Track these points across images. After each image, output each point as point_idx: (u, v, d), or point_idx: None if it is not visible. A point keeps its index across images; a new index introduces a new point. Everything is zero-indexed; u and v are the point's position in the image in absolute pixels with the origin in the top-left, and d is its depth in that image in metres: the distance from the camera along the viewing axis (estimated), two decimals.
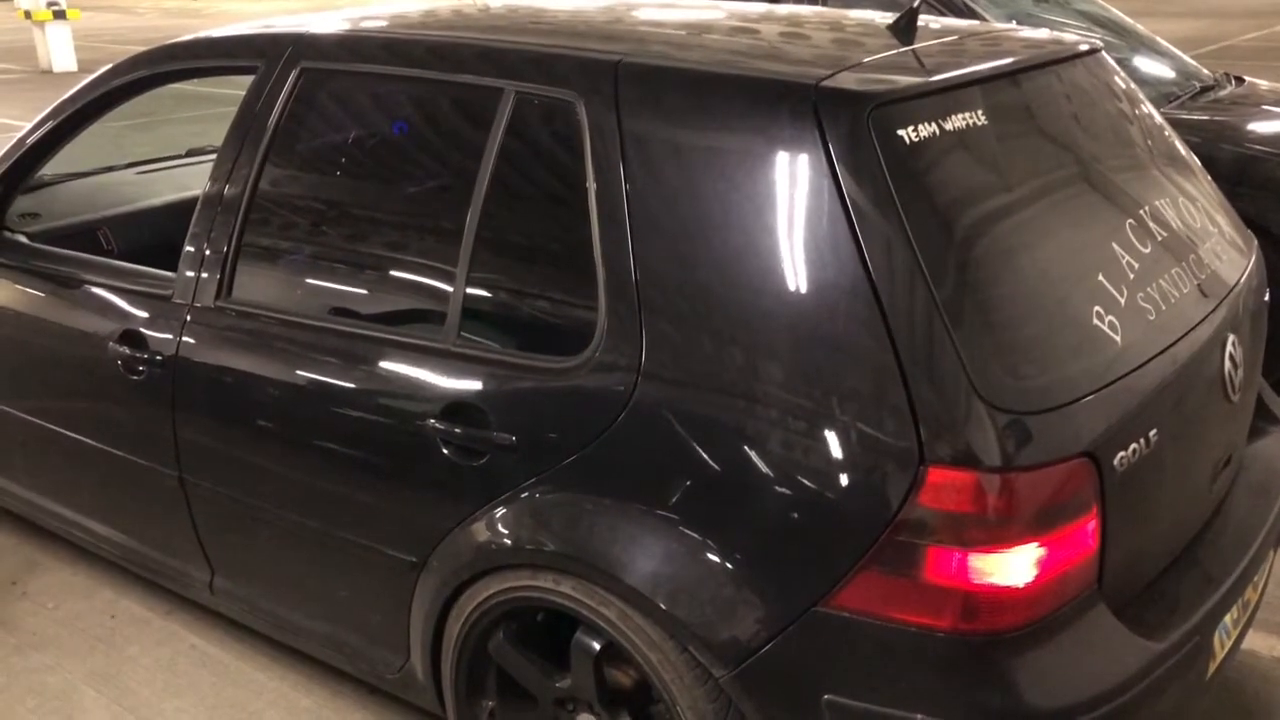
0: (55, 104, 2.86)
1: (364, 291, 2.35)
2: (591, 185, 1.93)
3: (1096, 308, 1.83)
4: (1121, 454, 1.76)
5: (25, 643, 2.87)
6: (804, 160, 1.76)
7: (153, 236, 3.11)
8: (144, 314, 2.53)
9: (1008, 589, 1.66)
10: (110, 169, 3.55)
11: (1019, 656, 1.69)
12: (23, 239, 2.96)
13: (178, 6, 25.03)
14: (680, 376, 1.82)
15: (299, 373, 2.27)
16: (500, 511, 2.00)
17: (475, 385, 2.02)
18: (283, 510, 2.37)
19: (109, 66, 2.77)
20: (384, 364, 2.15)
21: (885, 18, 2.35)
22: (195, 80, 2.76)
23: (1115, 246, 1.95)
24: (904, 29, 2.16)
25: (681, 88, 1.92)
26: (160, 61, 2.69)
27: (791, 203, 1.76)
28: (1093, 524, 1.74)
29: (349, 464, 2.22)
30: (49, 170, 3.14)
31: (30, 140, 2.90)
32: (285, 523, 2.38)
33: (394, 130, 2.40)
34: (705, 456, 1.79)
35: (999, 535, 1.65)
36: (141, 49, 2.77)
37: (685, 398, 1.81)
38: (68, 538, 3.06)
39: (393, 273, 2.32)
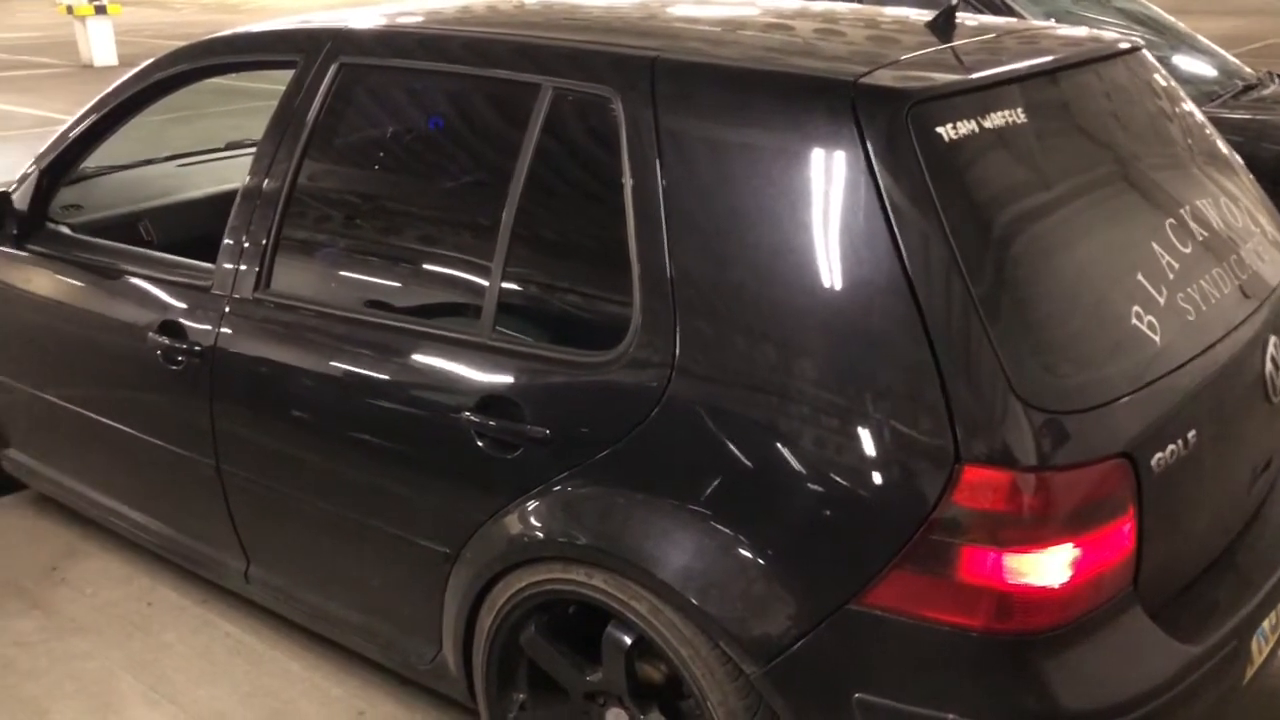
0: (98, 98, 2.90)
1: (400, 285, 2.37)
2: (627, 181, 1.93)
3: (1135, 307, 1.81)
4: (1159, 455, 1.75)
5: (64, 628, 2.92)
6: (841, 157, 1.75)
7: (192, 228, 3.14)
8: (183, 305, 2.56)
9: (1042, 589, 1.65)
10: (151, 162, 3.59)
11: (1052, 658, 1.68)
12: (66, 230, 3.00)
13: (216, 2, 25.26)
14: (714, 373, 1.82)
15: (336, 364, 2.29)
16: (533, 504, 2.01)
17: (509, 379, 2.03)
18: (318, 500, 2.40)
19: (150, 61, 2.80)
20: (419, 357, 2.17)
21: (923, 15, 2.33)
22: (234, 75, 2.79)
23: (1155, 246, 1.94)
24: (942, 26, 2.15)
25: (718, 84, 1.92)
26: (200, 56, 2.72)
27: (828, 200, 1.76)
28: (1129, 525, 1.72)
29: (384, 455, 2.24)
30: (91, 163, 3.18)
31: (73, 133, 2.94)
32: (320, 513, 2.40)
33: (431, 125, 2.41)
34: (738, 453, 1.80)
35: (1034, 535, 1.64)
36: (181, 44, 2.80)
37: (718, 394, 1.81)
38: (106, 525, 3.11)
39: (429, 266, 2.34)
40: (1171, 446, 1.77)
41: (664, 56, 1.98)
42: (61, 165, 3.00)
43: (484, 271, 2.11)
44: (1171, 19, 5.24)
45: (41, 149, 3.02)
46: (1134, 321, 1.80)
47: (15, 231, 2.96)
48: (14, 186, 3.02)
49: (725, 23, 2.29)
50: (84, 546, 3.27)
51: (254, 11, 22.75)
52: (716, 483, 1.82)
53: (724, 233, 1.84)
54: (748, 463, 1.79)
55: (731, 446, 1.80)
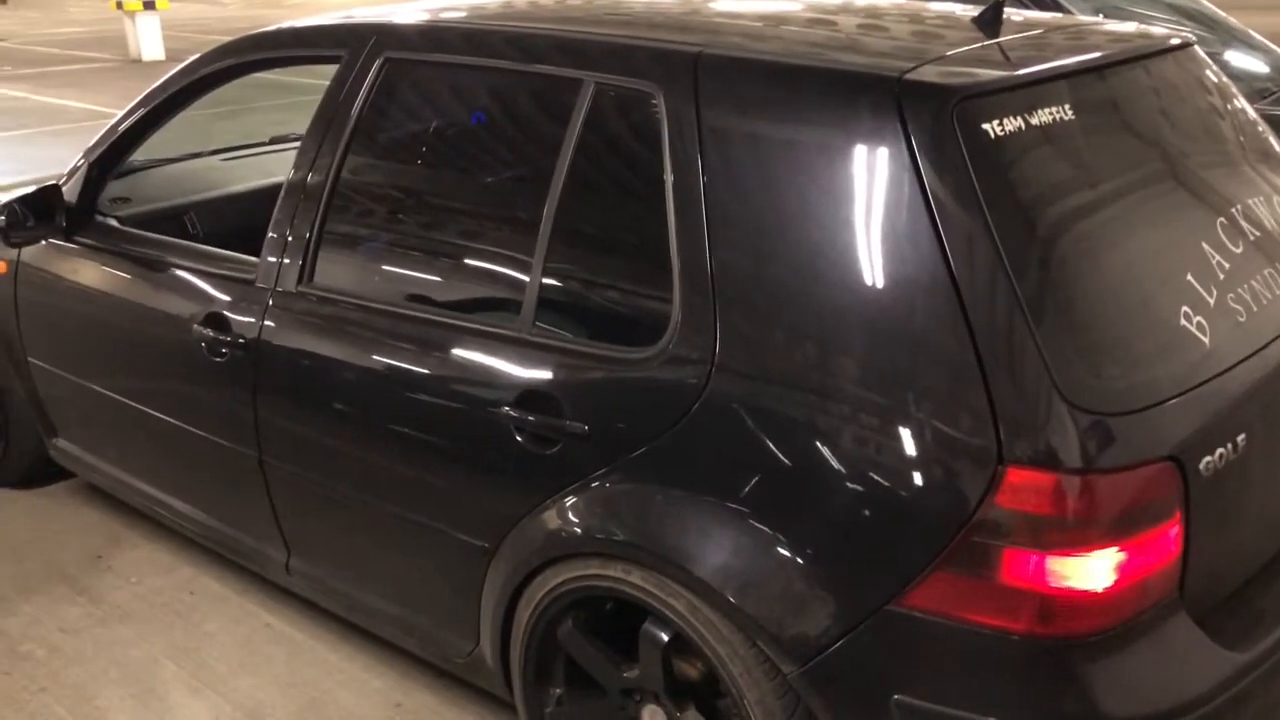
0: (146, 92, 2.94)
1: (441, 279, 2.38)
2: (669, 177, 1.93)
3: (1184, 308, 1.78)
4: (1207, 459, 1.72)
5: (109, 615, 2.96)
6: (885, 154, 1.74)
7: (237, 222, 3.17)
8: (227, 297, 2.59)
9: (1086, 593, 1.63)
10: (197, 155, 3.63)
11: (1095, 662, 1.66)
12: (114, 222, 3.05)
13: None
14: (754, 370, 1.81)
15: (377, 358, 2.30)
16: (571, 500, 2.02)
17: (549, 374, 2.04)
18: (358, 493, 2.41)
19: (197, 56, 2.83)
20: (460, 351, 2.17)
21: (969, 10, 2.31)
22: (280, 70, 2.81)
23: (1205, 245, 1.90)
24: (989, 21, 2.13)
25: (761, 79, 1.91)
26: (247, 51, 2.74)
27: (871, 197, 1.74)
28: (1175, 529, 1.70)
29: (424, 449, 2.25)
30: (139, 156, 3.22)
31: (122, 127, 2.98)
32: (360, 505, 2.42)
33: (474, 120, 2.42)
34: (777, 451, 1.78)
35: (1078, 538, 1.62)
36: (228, 39, 2.83)
37: (759, 392, 1.81)
38: (150, 514, 3.15)
39: (470, 261, 2.35)
40: (1220, 450, 1.74)
41: (707, 52, 1.97)
42: (110, 159, 3.04)
43: (525, 267, 2.11)
44: (1222, 14, 5.15)
45: (90, 142, 3.06)
46: (1183, 322, 1.77)
47: (65, 224, 3.00)
48: (64, 180, 3.06)
49: (768, 18, 2.27)
50: (129, 535, 3.32)
51: (297, 6, 22.95)
52: (756, 480, 1.81)
53: (766, 229, 1.83)
54: (787, 461, 1.78)
55: (771, 444, 1.79)
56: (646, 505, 1.92)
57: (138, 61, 14.06)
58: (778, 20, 2.25)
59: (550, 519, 2.05)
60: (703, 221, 1.88)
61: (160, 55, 14.15)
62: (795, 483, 1.78)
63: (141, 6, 14.02)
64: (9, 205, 2.93)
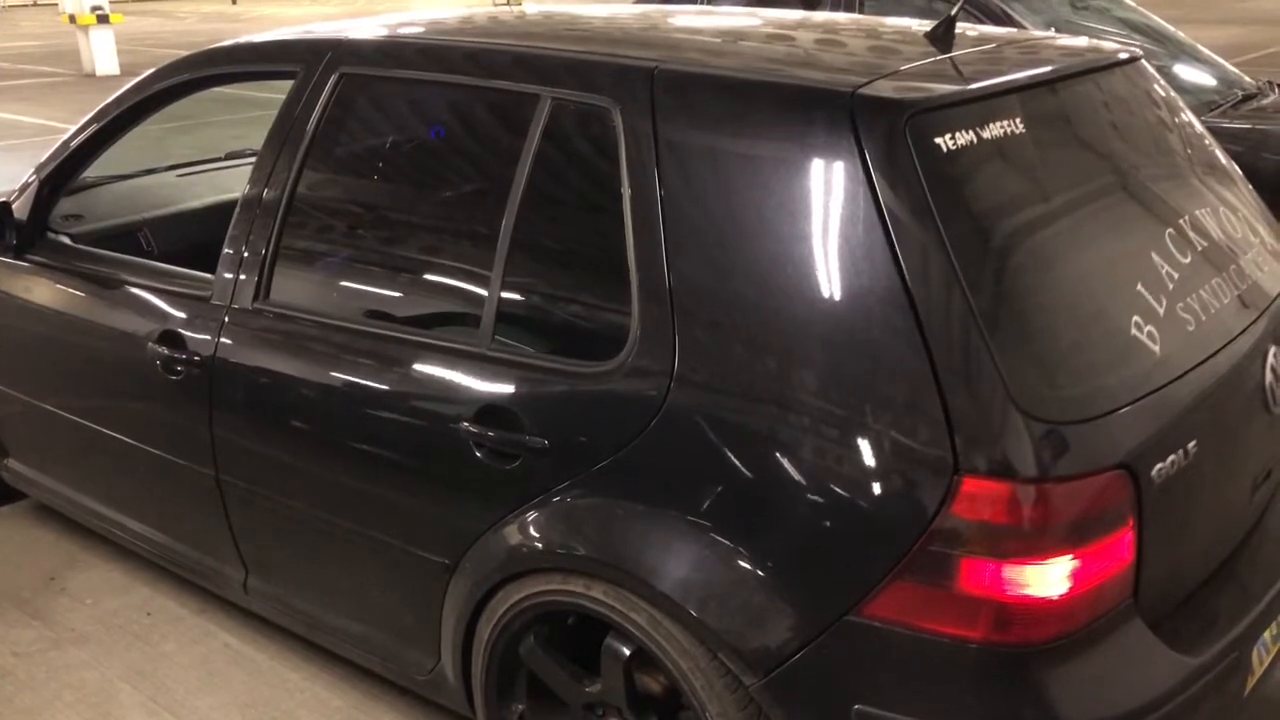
0: (99, 107, 2.90)
1: (399, 295, 2.37)
2: (626, 191, 1.93)
3: (1135, 317, 1.81)
4: (1159, 466, 1.75)
5: (63, 638, 2.91)
6: (840, 168, 1.76)
7: (192, 238, 3.14)
8: (183, 315, 2.56)
9: (1042, 600, 1.65)
10: (151, 171, 3.60)
11: (1052, 669, 1.68)
12: (66, 240, 3.01)
13: (216, 11, 25.34)
14: (713, 382, 1.82)
15: (335, 375, 2.28)
16: (532, 515, 2.01)
17: (509, 389, 2.03)
18: (316, 510, 2.39)
19: (152, 71, 2.81)
20: (418, 367, 2.17)
21: (922, 25, 2.34)
22: (235, 84, 2.79)
23: (1154, 256, 1.94)
24: (941, 36, 2.16)
25: (717, 95, 1.93)
26: (202, 66, 2.72)
27: (827, 210, 1.76)
28: (1129, 536, 1.72)
29: (383, 465, 2.24)
30: (92, 172, 3.18)
31: (74, 143, 2.95)
32: (319, 523, 2.40)
33: (430, 135, 2.42)
34: (737, 463, 1.79)
35: (1034, 546, 1.63)
36: (183, 53, 2.80)
37: (718, 404, 1.81)
38: (105, 535, 3.10)
39: (428, 276, 2.34)
40: (1172, 457, 1.77)
41: (663, 67, 1.98)
42: (62, 175, 3.00)
43: (483, 281, 2.11)
44: (1171, 28, 5.25)
45: (42, 158, 3.02)
46: (1133, 332, 1.80)
47: (15, 241, 2.96)
48: (14, 196, 3.02)
49: (726, 33, 2.29)
50: (83, 556, 3.27)
51: (254, 20, 22.78)
52: (716, 493, 1.82)
53: (723, 243, 1.84)
54: (748, 473, 1.79)
55: (731, 457, 1.80)
56: (608, 519, 1.92)
57: (91, 76, 13.92)
58: (735, 36, 2.27)
59: (511, 534, 2.04)
60: (660, 235, 1.88)
61: (115, 69, 14.02)
62: (756, 495, 1.79)
63: (95, 20, 13.88)
64: None
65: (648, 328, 1.88)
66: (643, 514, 1.89)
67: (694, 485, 1.84)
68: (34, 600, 3.07)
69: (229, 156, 3.81)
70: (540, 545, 2.00)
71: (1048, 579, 1.64)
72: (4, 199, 2.99)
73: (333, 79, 2.39)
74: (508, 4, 13.05)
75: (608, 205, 1.97)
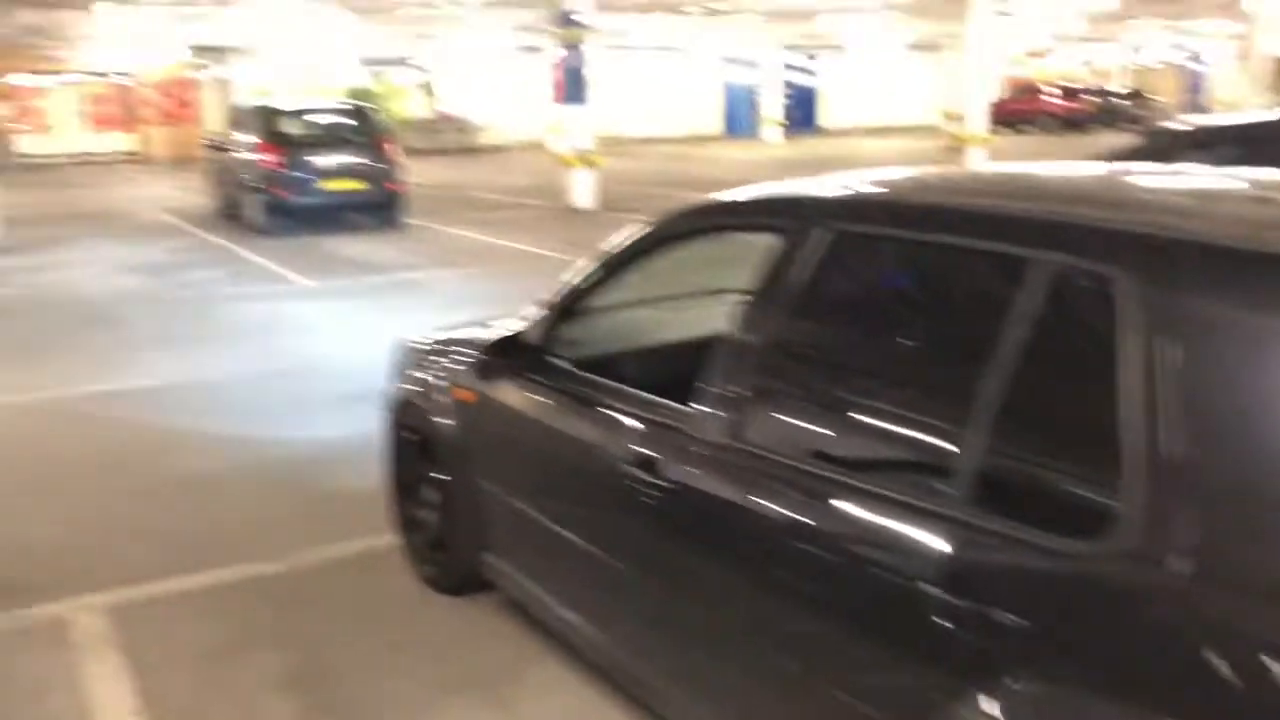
0: (604, 250, 3.24)
1: (871, 453, 2.40)
2: (1124, 361, 1.85)
3: None
4: None
5: None
6: None
7: (671, 370, 3.38)
8: (658, 442, 2.75)
9: None
10: (641, 302, 3.92)
11: None
12: (561, 363, 3.35)
13: (674, 152, 27.75)
14: (1215, 575, 1.67)
15: (802, 519, 2.34)
16: (990, 698, 1.91)
17: (978, 557, 1.98)
18: (765, 649, 2.43)
19: (656, 220, 3.09)
20: (886, 522, 2.16)
21: None
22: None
23: None
24: None
25: (1226, 264, 1.83)
26: (699, 218, 2.97)
27: None
28: None
29: (840, 615, 2.24)
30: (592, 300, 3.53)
31: (578, 281, 3.31)
32: (764, 663, 2.44)
33: (911, 292, 2.46)
34: (1236, 680, 1.61)
35: None
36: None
37: (1218, 601, 1.65)
38: (562, 637, 3.34)
39: (903, 432, 2.36)
40: None
41: (1164, 235, 1.91)
42: (565, 307, 3.37)
43: (960, 442, 2.08)
44: None
45: (551, 293, 3.41)
46: None
47: (521, 362, 3.36)
48: (525, 323, 3.44)
49: (1198, 195, 2.21)
50: (542, 653, 3.51)
51: (704, 159, 24.49)
52: (1208, 706, 1.64)
53: (1229, 421, 1.70)
54: (1240, 684, 1.60)
55: (1230, 671, 1.62)
56: (1077, 717, 1.79)
57: (572, 209, 15.58)
58: (1210, 198, 2.19)
59: (963, 713, 1.95)
60: (1156, 408, 1.78)
61: (592, 204, 15.61)
62: (1257, 715, 1.59)
63: (579, 163, 15.62)
64: (489, 346, 3.35)
65: (1140, 509, 1.77)
66: (1115, 717, 1.74)
67: (1180, 692, 1.67)
68: (496, 687, 3.35)
69: (712, 294, 4.06)
70: None
71: None
72: (517, 330, 3.43)
73: (821, 233, 2.50)
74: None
75: (1099, 373, 1.89)
